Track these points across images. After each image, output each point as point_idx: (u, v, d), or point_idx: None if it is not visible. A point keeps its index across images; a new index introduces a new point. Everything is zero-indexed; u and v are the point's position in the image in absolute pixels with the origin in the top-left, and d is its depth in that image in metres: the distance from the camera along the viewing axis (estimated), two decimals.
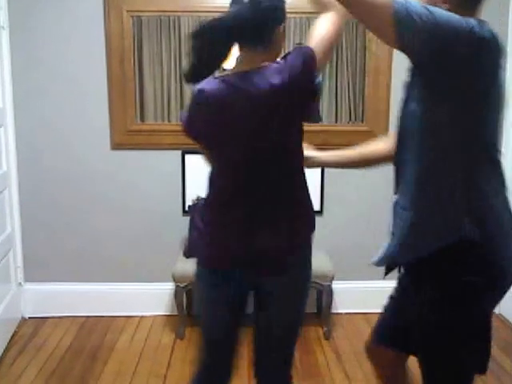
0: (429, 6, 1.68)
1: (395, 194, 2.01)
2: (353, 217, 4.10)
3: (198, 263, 2.16)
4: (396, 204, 1.96)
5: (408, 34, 1.66)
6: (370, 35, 3.82)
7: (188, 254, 3.83)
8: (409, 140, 1.89)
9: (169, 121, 3.97)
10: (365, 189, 4.04)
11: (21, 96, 3.87)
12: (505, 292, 1.96)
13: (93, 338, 3.84)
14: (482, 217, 1.84)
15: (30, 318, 4.10)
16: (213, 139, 1.99)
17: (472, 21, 1.70)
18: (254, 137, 1.90)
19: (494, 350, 3.64)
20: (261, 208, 2.00)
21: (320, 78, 1.89)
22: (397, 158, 1.99)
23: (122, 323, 4.03)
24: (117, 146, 3.97)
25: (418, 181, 1.87)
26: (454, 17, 1.68)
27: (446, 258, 1.85)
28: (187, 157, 3.93)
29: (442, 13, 1.68)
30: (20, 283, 4.07)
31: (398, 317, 2.13)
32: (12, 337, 3.81)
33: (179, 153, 3.94)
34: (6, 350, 3.64)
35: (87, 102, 3.92)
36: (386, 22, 1.66)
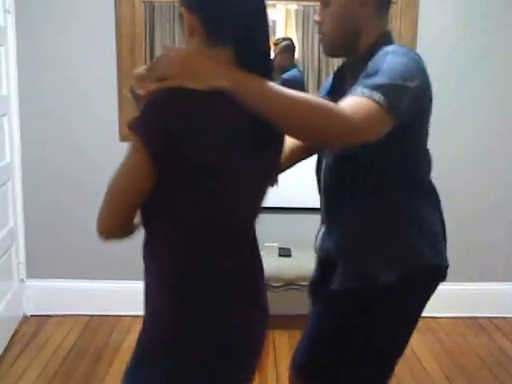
0: (391, 75, 1.64)
1: (324, 224, 2.07)
2: None
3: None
4: (333, 236, 2.01)
5: (400, 111, 1.62)
6: None
7: None
8: (350, 180, 1.91)
9: None
10: None
11: (26, 84, 3.81)
12: None
13: (97, 337, 3.80)
14: (433, 239, 1.95)
15: (32, 315, 4.05)
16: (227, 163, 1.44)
17: (416, 57, 1.76)
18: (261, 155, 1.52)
19: (511, 349, 3.65)
20: (258, 270, 1.66)
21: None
22: (333, 193, 2.00)
23: (129, 323, 3.96)
24: (126, 137, 3.85)
25: (368, 216, 1.91)
26: (411, 66, 1.70)
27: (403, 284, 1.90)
28: None
29: (406, 70, 1.68)
30: (22, 279, 4.02)
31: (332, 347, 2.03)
32: (13, 335, 3.77)
33: None
34: (7, 349, 3.59)
35: (95, 91, 3.85)
36: (384, 121, 1.59)
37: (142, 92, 1.47)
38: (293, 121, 1.46)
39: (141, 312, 4.17)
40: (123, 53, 3.77)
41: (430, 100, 1.83)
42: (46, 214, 3.98)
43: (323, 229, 2.07)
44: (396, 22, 3.71)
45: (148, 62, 3.75)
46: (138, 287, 4.00)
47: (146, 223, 1.53)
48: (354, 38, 1.84)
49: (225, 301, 1.51)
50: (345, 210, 1.95)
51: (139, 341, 1.60)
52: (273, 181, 1.62)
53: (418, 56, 1.77)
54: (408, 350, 3.43)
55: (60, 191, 3.96)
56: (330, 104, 1.49)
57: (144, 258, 1.60)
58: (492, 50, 3.83)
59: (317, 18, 1.90)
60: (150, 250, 1.57)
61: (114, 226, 1.51)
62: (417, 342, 3.68)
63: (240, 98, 1.41)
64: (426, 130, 1.89)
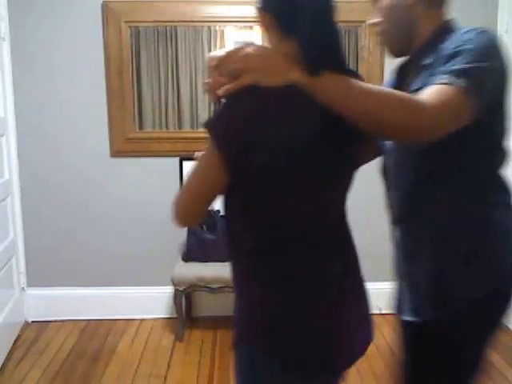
0: (471, 56, 1.50)
1: (401, 225, 1.84)
2: (357, 219, 4.04)
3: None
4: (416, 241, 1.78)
5: (484, 95, 1.51)
6: (361, 42, 3.94)
7: (186, 258, 3.94)
8: (432, 174, 1.70)
9: (167, 128, 4.03)
10: (368, 197, 3.90)
11: (22, 105, 3.92)
12: None
13: (94, 341, 3.88)
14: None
15: (32, 322, 4.13)
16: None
17: (494, 36, 1.58)
18: None
19: (499, 362, 3.57)
20: None
21: None
22: (407, 193, 1.78)
23: (123, 326, 4.07)
24: (116, 153, 4.01)
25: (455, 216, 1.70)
26: (491, 46, 1.56)
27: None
28: (185, 163, 3.99)
29: (486, 51, 1.53)
30: (23, 288, 4.10)
31: None
32: (15, 341, 3.84)
33: (177, 160, 4.00)
34: (10, 353, 3.67)
35: (87, 111, 3.96)
36: (468, 109, 1.47)
37: (210, 82, 1.48)
38: (373, 116, 1.37)
39: (133, 316, 4.32)
40: (111, 76, 3.89)
41: (507, 86, 1.61)
42: (43, 227, 4.07)
43: (399, 233, 1.85)
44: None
45: (135, 83, 3.94)
46: (130, 293, 4.20)
47: (226, 215, 1.56)
48: (412, 29, 1.71)
49: (306, 292, 1.49)
50: (420, 211, 1.76)
51: (235, 324, 1.58)
52: (349, 179, 1.59)
53: (495, 35, 1.59)
54: (391, 349, 3.63)
55: (56, 205, 4.06)
56: (413, 97, 1.41)
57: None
58: None
59: (372, 20, 1.78)
60: (230, 240, 1.59)
61: (188, 215, 1.54)
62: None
63: (315, 93, 1.36)
64: (502, 122, 1.67)
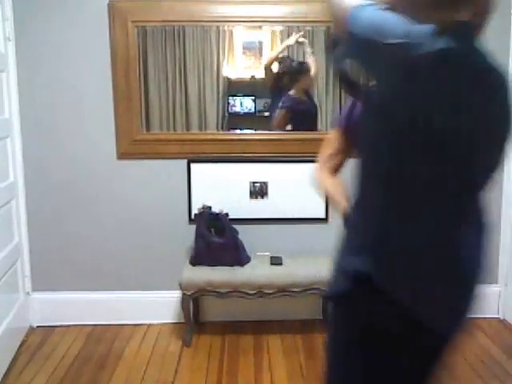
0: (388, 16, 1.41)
1: None
2: None
3: None
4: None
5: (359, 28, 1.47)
6: None
7: (194, 262, 3.90)
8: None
9: (174, 130, 4.01)
10: None
11: (27, 107, 3.89)
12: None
13: (101, 346, 3.85)
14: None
15: (38, 326, 4.10)
16: None
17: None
18: None
19: (499, 355, 3.65)
20: None
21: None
22: None
23: (130, 331, 4.04)
24: (122, 155, 3.97)
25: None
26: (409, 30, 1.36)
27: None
28: (193, 165, 3.95)
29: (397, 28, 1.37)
30: (28, 292, 4.07)
31: None
32: (20, 346, 3.81)
33: (185, 162, 3.96)
34: (15, 358, 3.64)
35: (93, 112, 3.93)
36: (343, 21, 1.49)
37: None
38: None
39: (140, 321, 4.29)
40: (118, 75, 3.84)
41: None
42: (48, 230, 4.04)
43: None
44: None
45: (142, 84, 3.90)
46: (137, 297, 4.15)
47: None
48: None
49: None
50: None
51: None
52: None
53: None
54: None
55: (61, 208, 4.03)
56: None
57: None
58: None
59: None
60: None
61: None
62: None
63: None
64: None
